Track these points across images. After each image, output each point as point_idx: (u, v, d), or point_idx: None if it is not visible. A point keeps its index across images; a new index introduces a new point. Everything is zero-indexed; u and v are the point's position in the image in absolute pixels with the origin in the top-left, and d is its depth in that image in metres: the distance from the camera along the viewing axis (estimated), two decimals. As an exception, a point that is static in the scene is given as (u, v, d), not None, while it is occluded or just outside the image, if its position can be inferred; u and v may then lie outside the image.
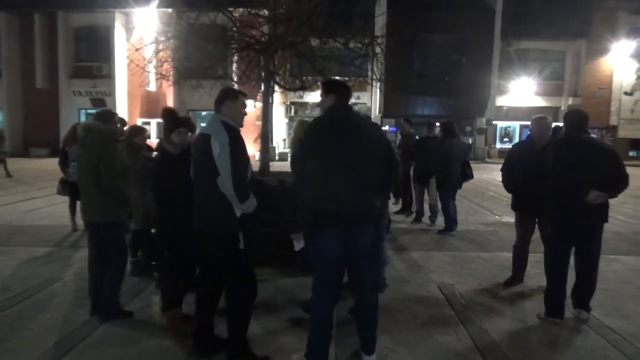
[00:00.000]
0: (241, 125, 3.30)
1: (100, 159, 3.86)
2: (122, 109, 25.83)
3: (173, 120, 3.95)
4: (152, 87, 25.71)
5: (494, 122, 29.37)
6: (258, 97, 28.93)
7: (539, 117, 4.79)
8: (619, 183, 3.82)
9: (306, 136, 3.01)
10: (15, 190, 12.75)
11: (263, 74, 6.96)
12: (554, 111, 28.23)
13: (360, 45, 7.26)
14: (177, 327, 3.75)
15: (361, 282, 3.18)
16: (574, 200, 3.79)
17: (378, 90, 29.59)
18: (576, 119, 4.01)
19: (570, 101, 28.41)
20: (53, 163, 7.11)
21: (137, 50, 7.17)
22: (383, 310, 4.26)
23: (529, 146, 4.84)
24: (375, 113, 29.52)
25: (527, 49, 28.64)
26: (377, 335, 3.29)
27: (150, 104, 26.60)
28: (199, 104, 22.64)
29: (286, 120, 30.76)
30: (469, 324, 4.05)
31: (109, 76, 26.01)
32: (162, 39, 6.84)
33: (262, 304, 4.33)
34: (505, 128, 30.44)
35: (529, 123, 7.40)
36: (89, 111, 27.30)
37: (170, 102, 26.34)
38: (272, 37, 6.33)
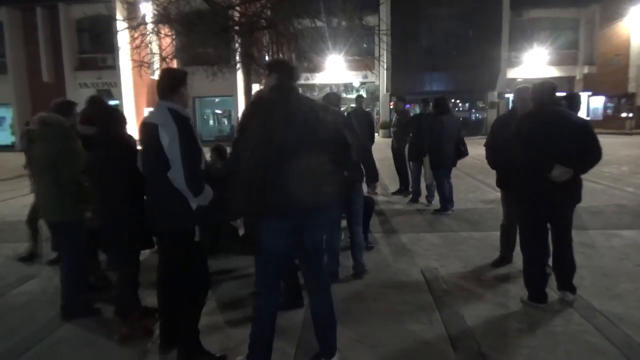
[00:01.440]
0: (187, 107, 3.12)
1: (59, 155, 3.68)
2: (128, 99, 25.89)
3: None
4: (157, 75, 25.67)
5: (506, 95, 28.59)
6: (263, 81, 28.72)
7: (521, 88, 4.49)
8: (590, 156, 3.56)
9: (242, 119, 2.78)
10: (20, 184, 12.83)
11: (239, 56, 6.77)
12: (568, 80, 27.38)
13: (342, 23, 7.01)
14: (136, 335, 3.53)
15: (313, 278, 2.99)
16: (540, 176, 3.55)
17: (384, 68, 29.20)
18: (544, 90, 3.74)
19: (586, 70, 27.48)
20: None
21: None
22: (357, 298, 4.12)
23: (512, 119, 4.54)
24: (382, 91, 29.04)
25: (538, 18, 27.64)
26: (345, 326, 3.10)
27: (155, 93, 26.50)
28: (206, 90, 22.60)
29: (293, 104, 30.35)
30: (445, 310, 3.85)
31: (114, 67, 25.93)
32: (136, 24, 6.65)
33: (229, 296, 4.21)
34: (518, 101, 29.60)
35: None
36: (96, 103, 27.48)
37: (175, 90, 26.30)
38: (247, 17, 6.10)
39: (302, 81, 30.30)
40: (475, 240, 5.84)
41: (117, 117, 3.61)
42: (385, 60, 29.05)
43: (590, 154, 3.55)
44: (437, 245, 5.71)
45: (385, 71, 29.00)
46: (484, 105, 28.45)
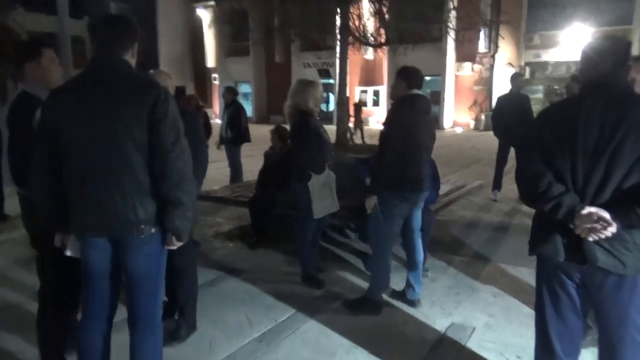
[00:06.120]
0: (54, 85, 2.49)
1: None
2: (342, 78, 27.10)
3: None
4: (370, 55, 26.12)
5: None
6: (477, 58, 26.11)
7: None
8: None
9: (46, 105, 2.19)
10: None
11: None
12: None
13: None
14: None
15: (133, 315, 2.27)
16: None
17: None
18: (596, 49, 1.98)
19: None
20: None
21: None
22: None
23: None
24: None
25: None
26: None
27: (368, 73, 27.29)
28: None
29: (519, 84, 26.87)
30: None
31: (332, 47, 27.26)
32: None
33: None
34: None
35: None
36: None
37: (384, 70, 26.24)
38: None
39: (531, 59, 26.76)
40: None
41: None
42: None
43: None
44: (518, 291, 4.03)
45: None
46: None
